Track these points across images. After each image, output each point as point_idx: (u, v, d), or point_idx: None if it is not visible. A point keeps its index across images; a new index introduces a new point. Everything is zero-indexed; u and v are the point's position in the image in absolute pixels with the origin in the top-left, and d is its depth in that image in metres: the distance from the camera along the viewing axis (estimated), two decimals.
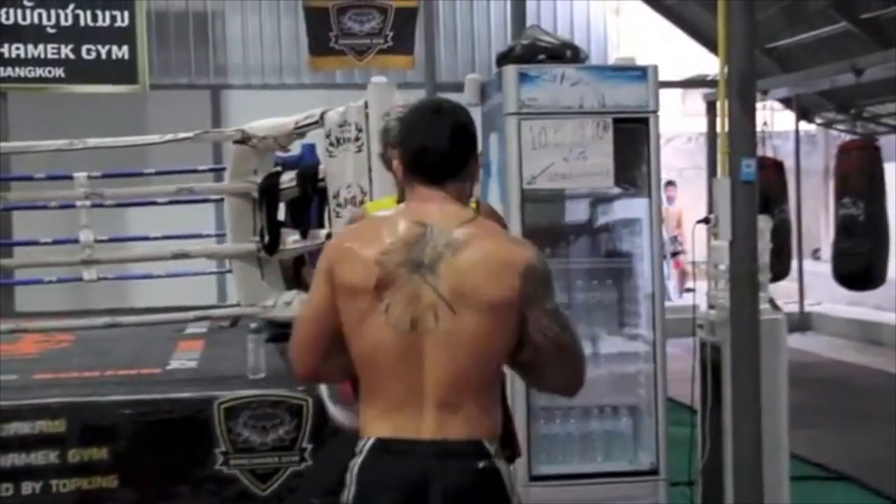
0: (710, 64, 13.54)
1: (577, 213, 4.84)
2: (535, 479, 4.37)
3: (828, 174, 13.81)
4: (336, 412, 4.22)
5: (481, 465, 2.34)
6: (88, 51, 10.70)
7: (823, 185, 14.48)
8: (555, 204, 4.78)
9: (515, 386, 4.30)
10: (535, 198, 4.47)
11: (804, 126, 12.59)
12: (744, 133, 4.40)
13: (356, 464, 2.38)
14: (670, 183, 13.28)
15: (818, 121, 12.49)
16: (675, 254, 14.00)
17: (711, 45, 11.93)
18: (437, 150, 2.42)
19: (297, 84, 12.14)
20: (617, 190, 4.57)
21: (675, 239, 14.03)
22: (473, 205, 3.06)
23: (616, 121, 4.33)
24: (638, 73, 4.39)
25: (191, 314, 5.92)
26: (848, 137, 11.18)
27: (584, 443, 4.54)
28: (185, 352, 6.36)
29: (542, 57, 4.48)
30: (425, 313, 2.31)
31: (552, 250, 4.56)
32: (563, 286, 4.58)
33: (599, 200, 4.79)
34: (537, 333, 2.35)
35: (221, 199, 6.88)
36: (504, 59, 4.54)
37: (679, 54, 14.13)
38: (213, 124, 11.37)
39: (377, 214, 2.61)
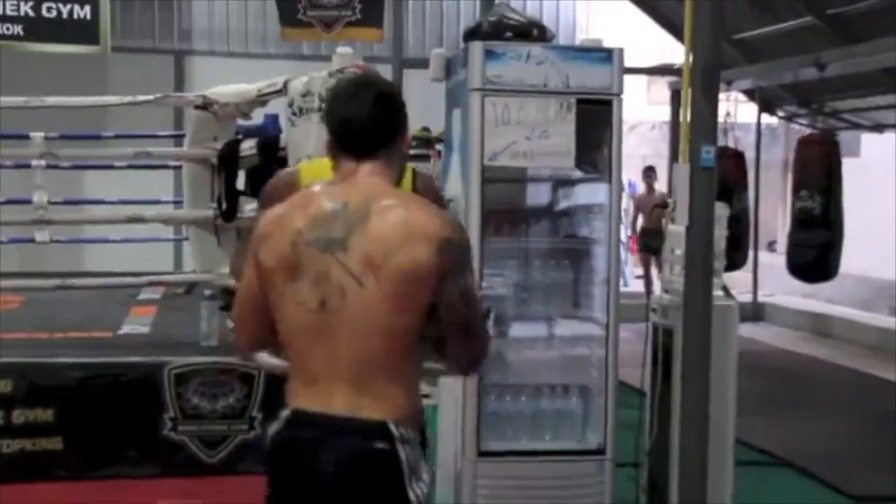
0: (677, 53, 13.63)
1: (538, 195, 4.84)
2: (483, 454, 4.39)
3: (787, 168, 13.96)
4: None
5: (379, 446, 2.30)
6: (49, 9, 10.49)
7: (782, 179, 14.64)
8: (517, 185, 4.79)
9: None
10: (496, 177, 4.48)
11: (766, 119, 12.68)
12: (705, 119, 4.43)
13: (272, 430, 2.41)
14: (650, 169, 12.51)
15: (780, 114, 12.59)
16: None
17: (679, 34, 11.99)
18: (360, 122, 2.38)
19: (263, 53, 12.05)
20: (579, 173, 4.58)
21: None
22: (409, 174, 3.06)
23: (580, 102, 4.33)
24: (603, 55, 4.39)
25: (144, 279, 5.87)
26: (808, 131, 11.29)
27: (533, 421, 4.56)
28: (138, 317, 6.31)
29: (508, 34, 4.47)
30: (333, 292, 2.29)
31: (511, 230, 4.56)
32: (520, 266, 4.60)
33: (561, 183, 4.80)
34: (445, 310, 2.31)
35: (180, 166, 6.83)
36: (471, 35, 4.52)
37: (647, 43, 14.20)
38: (176, 90, 11.27)
39: (304, 191, 2.56)
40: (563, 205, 4.80)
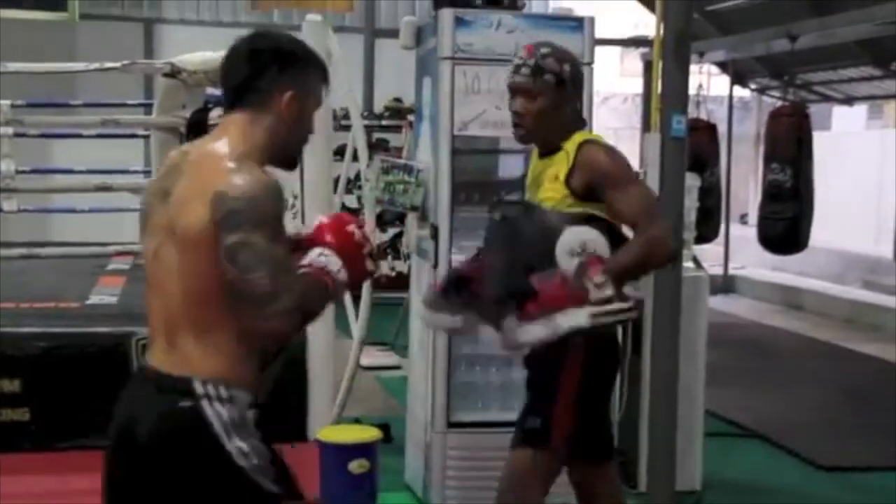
0: (651, 26, 13.61)
1: (510, 167, 4.80)
2: (452, 425, 4.38)
3: (759, 140, 13.99)
4: None
5: (182, 404, 2.20)
6: None
7: (754, 151, 14.67)
8: (489, 156, 4.75)
9: (437, 334, 4.30)
10: (468, 148, 4.44)
11: (738, 92, 12.70)
12: (676, 89, 4.41)
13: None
14: None
15: (752, 86, 12.61)
16: None
17: (650, 5, 11.97)
18: (227, 74, 2.34)
19: (233, 22, 11.92)
20: None
21: None
22: (574, 144, 3.12)
23: None
24: (574, 23, 4.35)
25: (111, 248, 5.82)
26: (780, 104, 11.31)
27: (503, 391, 4.55)
28: (106, 287, 6.27)
29: (479, 2, 4.43)
30: (160, 242, 2.25)
31: (482, 200, 4.53)
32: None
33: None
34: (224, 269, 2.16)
35: (150, 135, 6.75)
36: (441, 2, 4.47)
37: (621, 15, 14.17)
38: (146, 59, 11.10)
39: None
40: None
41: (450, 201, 4.33)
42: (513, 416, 4.50)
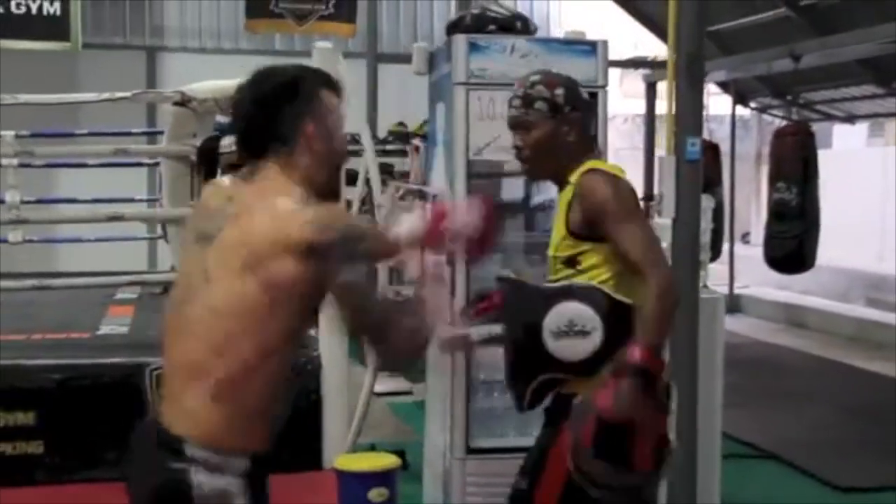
0: (648, 46, 13.66)
1: (516, 189, 4.79)
2: (471, 451, 4.35)
3: (760, 159, 14.02)
4: None
5: (173, 465, 2.12)
6: (18, 5, 10.34)
7: (755, 170, 14.69)
8: (497, 179, 4.74)
9: (457, 360, 4.27)
10: (480, 172, 4.43)
11: (738, 111, 12.72)
12: (690, 112, 4.42)
13: None
14: None
15: (753, 105, 12.63)
16: None
17: (652, 25, 12.02)
18: (242, 125, 2.29)
19: (234, 49, 11.96)
20: None
21: None
22: (577, 175, 2.92)
23: None
24: (588, 47, 4.36)
25: (124, 278, 5.81)
26: (781, 123, 11.33)
27: (520, 417, 4.51)
28: (116, 317, 6.25)
29: (492, 27, 4.42)
30: (190, 289, 2.18)
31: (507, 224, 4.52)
32: (505, 260, 4.55)
33: None
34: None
35: (155, 164, 6.75)
36: (454, 28, 4.47)
37: (620, 36, 14.18)
38: (148, 87, 11.12)
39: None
40: (541, 199, 4.76)
41: None
42: (529, 441, 4.50)
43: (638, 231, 2.82)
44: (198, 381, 2.13)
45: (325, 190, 2.29)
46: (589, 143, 3.07)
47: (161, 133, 7.53)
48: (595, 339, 2.79)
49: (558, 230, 2.97)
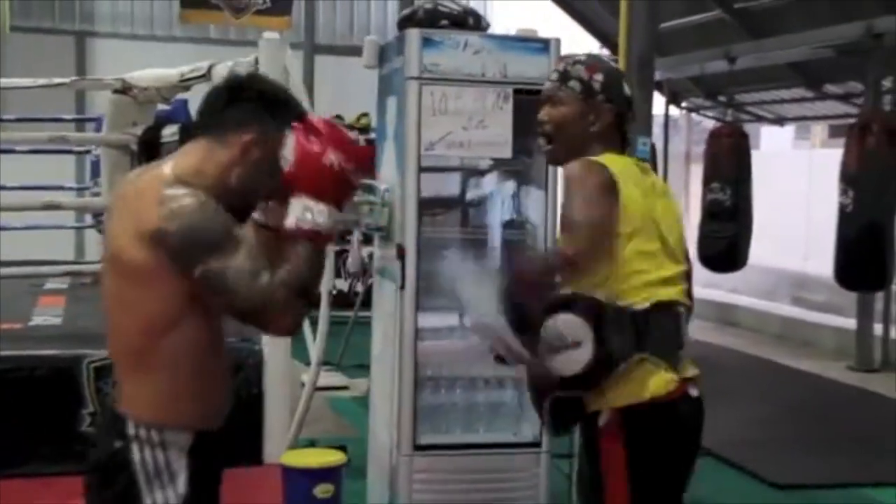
0: (582, 46, 13.72)
1: (473, 185, 4.78)
2: (418, 448, 4.33)
3: (689, 159, 14.19)
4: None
5: (115, 444, 2.18)
6: None
7: (685, 169, 14.87)
8: (451, 175, 4.74)
9: (404, 356, 4.25)
10: (430, 166, 4.41)
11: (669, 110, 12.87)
12: (641, 112, 4.44)
13: None
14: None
15: (684, 105, 12.79)
16: None
17: (589, 26, 12.09)
18: (204, 102, 2.32)
19: (168, 36, 11.77)
20: (515, 163, 4.52)
21: None
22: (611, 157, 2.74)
23: (517, 92, 4.29)
24: (540, 45, 4.35)
25: (61, 268, 5.67)
26: (710, 123, 11.49)
27: (468, 413, 4.52)
28: (48, 307, 6.11)
29: (444, 22, 4.40)
30: (104, 275, 2.30)
31: (447, 220, 4.52)
32: (457, 256, 4.54)
33: (499, 173, 4.73)
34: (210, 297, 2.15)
35: (85, 151, 6.60)
36: (406, 22, 4.44)
37: (581, 36, 14.24)
38: (78, 73, 10.91)
39: None
40: (498, 194, 4.76)
41: (417, 221, 4.28)
42: (476, 437, 4.51)
43: (580, 203, 2.67)
44: (124, 358, 2.22)
45: (229, 201, 2.19)
46: (615, 141, 2.87)
47: (91, 120, 7.38)
48: (588, 348, 2.65)
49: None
